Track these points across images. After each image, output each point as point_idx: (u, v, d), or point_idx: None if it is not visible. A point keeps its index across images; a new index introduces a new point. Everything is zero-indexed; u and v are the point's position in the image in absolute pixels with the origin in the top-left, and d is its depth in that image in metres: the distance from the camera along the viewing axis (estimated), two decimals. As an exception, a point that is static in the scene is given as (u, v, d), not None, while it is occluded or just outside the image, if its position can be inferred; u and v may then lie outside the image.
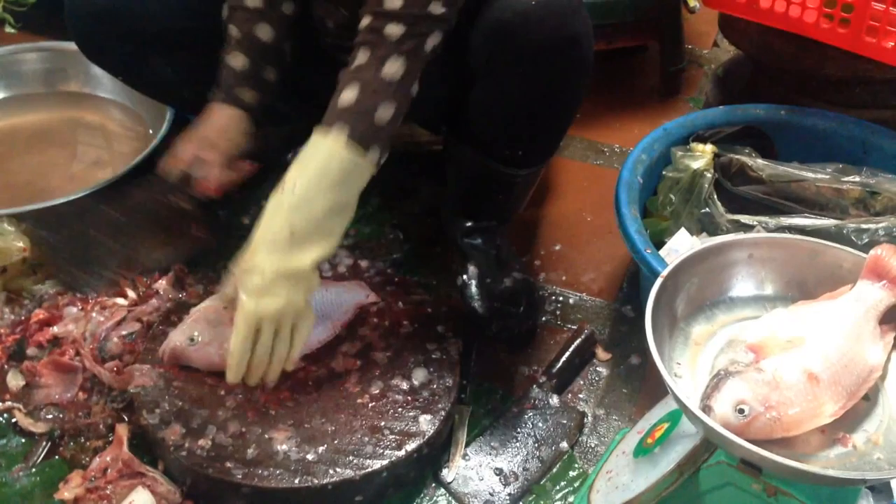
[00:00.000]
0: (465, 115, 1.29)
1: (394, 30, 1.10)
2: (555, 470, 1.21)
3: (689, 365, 0.92)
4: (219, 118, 1.30)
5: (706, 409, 0.82)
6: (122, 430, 1.19)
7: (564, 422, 1.27)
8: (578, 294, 1.50)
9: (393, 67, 1.11)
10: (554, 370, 1.32)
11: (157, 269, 1.40)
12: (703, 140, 1.44)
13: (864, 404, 0.87)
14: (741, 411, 0.81)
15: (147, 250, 1.38)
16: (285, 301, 1.10)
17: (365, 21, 1.13)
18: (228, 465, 1.10)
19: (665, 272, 0.93)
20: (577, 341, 1.36)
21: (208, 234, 1.48)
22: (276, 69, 1.32)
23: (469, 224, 1.42)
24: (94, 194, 1.43)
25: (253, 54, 1.29)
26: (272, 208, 1.10)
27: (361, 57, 1.12)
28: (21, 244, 1.38)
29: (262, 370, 1.14)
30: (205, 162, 1.28)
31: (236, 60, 1.29)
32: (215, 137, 1.29)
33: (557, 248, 1.60)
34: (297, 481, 1.09)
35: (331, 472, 1.10)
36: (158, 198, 1.31)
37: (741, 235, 1.03)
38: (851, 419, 0.86)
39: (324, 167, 1.09)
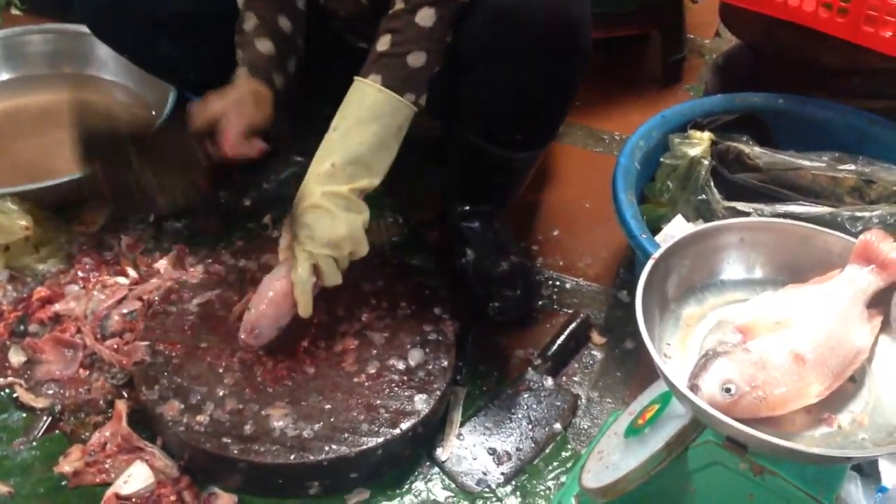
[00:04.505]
0: (462, 99, 1.30)
1: None
2: (548, 450, 1.23)
3: (679, 346, 0.93)
4: (252, 88, 1.26)
5: (693, 387, 0.82)
6: (122, 406, 1.21)
7: (558, 404, 1.28)
8: (575, 279, 1.51)
9: (426, 15, 1.14)
10: (549, 353, 1.34)
11: (162, 211, 1.44)
12: (701, 127, 1.44)
13: (850, 386, 0.87)
14: (728, 390, 0.81)
15: (165, 186, 1.31)
16: (346, 225, 1.15)
17: None
18: (225, 440, 1.12)
19: (657, 254, 0.94)
20: (573, 325, 1.37)
21: (215, 222, 1.52)
22: (295, 61, 1.32)
23: (467, 207, 1.43)
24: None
25: (277, 42, 1.29)
26: (320, 149, 1.17)
27: (398, 5, 1.16)
28: (24, 222, 1.39)
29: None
30: (230, 121, 1.23)
31: (263, 45, 1.27)
32: (248, 103, 1.25)
33: (556, 233, 1.61)
34: (292, 457, 1.11)
35: (326, 448, 1.12)
36: (183, 138, 1.27)
37: (733, 220, 1.03)
38: (837, 400, 0.86)
39: (360, 107, 1.15)
